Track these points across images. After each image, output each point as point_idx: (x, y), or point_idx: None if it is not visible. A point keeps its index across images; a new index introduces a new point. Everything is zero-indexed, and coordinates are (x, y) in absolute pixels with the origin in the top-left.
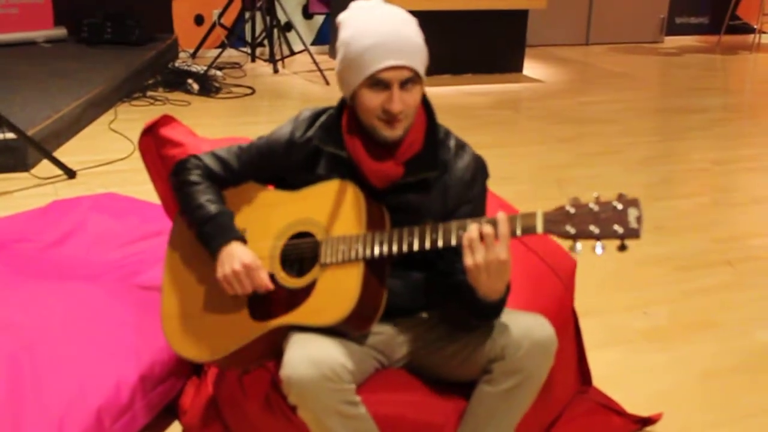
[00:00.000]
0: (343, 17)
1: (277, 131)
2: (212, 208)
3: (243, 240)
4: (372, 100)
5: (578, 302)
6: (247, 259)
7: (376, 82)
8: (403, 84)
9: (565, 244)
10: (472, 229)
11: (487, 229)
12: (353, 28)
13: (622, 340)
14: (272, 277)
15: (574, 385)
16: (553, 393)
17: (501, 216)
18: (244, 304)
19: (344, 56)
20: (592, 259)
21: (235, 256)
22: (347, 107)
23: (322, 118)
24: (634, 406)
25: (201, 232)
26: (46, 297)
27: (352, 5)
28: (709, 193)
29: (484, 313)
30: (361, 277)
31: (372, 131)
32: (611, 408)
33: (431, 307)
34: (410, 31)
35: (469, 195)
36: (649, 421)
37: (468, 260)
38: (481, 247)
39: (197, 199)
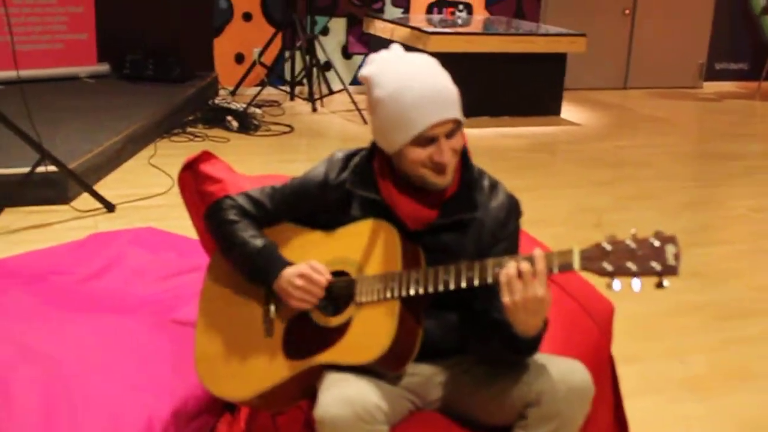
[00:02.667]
0: (371, 74)
1: (310, 172)
2: (257, 242)
3: (291, 264)
4: (419, 154)
5: (615, 349)
6: (301, 268)
7: (425, 139)
8: (449, 134)
9: (602, 281)
10: (510, 266)
11: (525, 266)
12: (390, 86)
13: (658, 388)
14: (308, 315)
15: None
16: None
17: (538, 252)
18: (279, 343)
19: (384, 115)
20: (630, 305)
21: (290, 280)
22: (378, 150)
23: (355, 160)
24: None
25: (251, 268)
26: (82, 330)
27: (374, 58)
28: (748, 240)
29: (522, 349)
30: (397, 316)
31: (420, 181)
32: None
33: (467, 349)
34: (445, 80)
35: (504, 234)
36: None
37: (506, 298)
38: (519, 285)
39: (239, 237)
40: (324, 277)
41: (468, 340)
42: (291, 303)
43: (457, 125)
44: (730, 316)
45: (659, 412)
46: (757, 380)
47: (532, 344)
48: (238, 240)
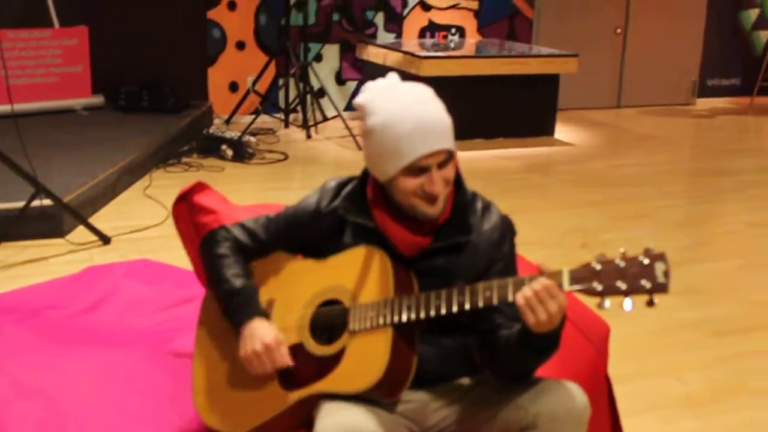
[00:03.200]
0: (365, 102)
1: (303, 201)
2: (237, 282)
3: (266, 315)
4: (411, 183)
5: (611, 368)
6: (268, 338)
7: (417, 169)
8: (441, 165)
9: (593, 301)
10: (525, 289)
11: (547, 282)
12: (383, 115)
13: (655, 406)
14: (302, 345)
15: None
16: None
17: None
18: (274, 374)
19: (377, 144)
20: (625, 323)
21: (256, 336)
22: (371, 177)
23: (347, 188)
24: None
25: (226, 307)
26: (78, 364)
27: (369, 87)
28: (744, 256)
29: (545, 348)
30: (390, 343)
31: (411, 210)
32: None
33: (465, 374)
34: (439, 111)
35: (499, 254)
36: None
37: (531, 319)
38: (541, 305)
39: (224, 273)
40: (283, 361)
41: (483, 361)
42: (240, 356)
43: (449, 155)
44: (727, 333)
45: (657, 430)
46: (753, 396)
47: (556, 339)
48: (222, 276)
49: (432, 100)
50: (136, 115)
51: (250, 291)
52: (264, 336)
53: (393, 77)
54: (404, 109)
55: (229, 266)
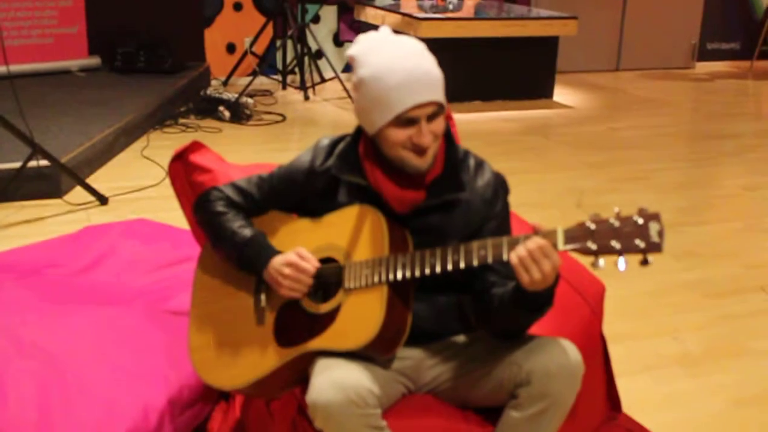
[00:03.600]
0: (357, 53)
1: (296, 160)
2: (246, 232)
3: (279, 252)
4: (399, 135)
5: (607, 328)
6: (289, 257)
7: (405, 120)
8: (431, 117)
9: (587, 260)
10: (519, 248)
11: (541, 241)
12: (373, 67)
13: (651, 366)
14: (297, 303)
15: (603, 411)
16: (580, 418)
17: (527, 236)
18: (271, 331)
19: (367, 95)
20: (623, 284)
21: (279, 265)
22: (363, 135)
23: (340, 147)
24: None
25: (240, 259)
26: (76, 322)
27: (361, 39)
28: (741, 218)
29: (539, 306)
30: (385, 301)
31: (400, 162)
32: None
33: (460, 331)
34: (430, 64)
35: (493, 212)
36: None
37: (525, 278)
38: (535, 265)
39: (228, 228)
40: (311, 264)
41: (467, 321)
42: (280, 292)
43: (439, 109)
44: (723, 294)
45: (652, 390)
46: (749, 357)
47: (550, 297)
48: (228, 231)
49: (423, 53)
50: (133, 76)
51: (261, 237)
52: (286, 258)
53: (385, 30)
54: (395, 60)
55: (232, 220)
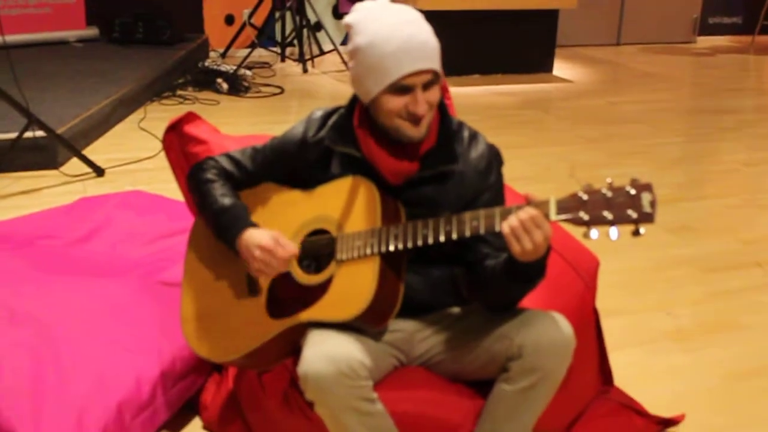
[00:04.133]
0: (353, 20)
1: (290, 132)
2: (226, 200)
3: (256, 226)
4: (395, 103)
5: (601, 302)
6: (263, 240)
7: (401, 87)
8: (426, 86)
9: (579, 231)
10: (511, 218)
11: (533, 211)
12: (370, 34)
13: (645, 340)
14: (289, 274)
15: (596, 385)
16: (573, 392)
17: (519, 206)
18: (262, 302)
19: (362, 62)
20: (618, 259)
21: (251, 245)
22: (358, 106)
23: (334, 118)
24: (657, 407)
25: (216, 226)
26: (70, 293)
27: (358, 7)
28: (740, 194)
29: (531, 277)
30: (377, 272)
31: (395, 132)
32: (633, 408)
33: (452, 304)
34: (426, 33)
35: (487, 183)
36: (671, 422)
37: (516, 248)
38: (527, 235)
39: (212, 195)
40: (287, 252)
41: (470, 291)
42: (249, 270)
43: (435, 78)
44: (718, 269)
45: (646, 364)
46: (742, 331)
47: (542, 268)
48: (211, 198)
49: (420, 22)
50: (131, 48)
51: (239, 208)
52: (259, 240)
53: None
54: (391, 28)
55: (217, 189)
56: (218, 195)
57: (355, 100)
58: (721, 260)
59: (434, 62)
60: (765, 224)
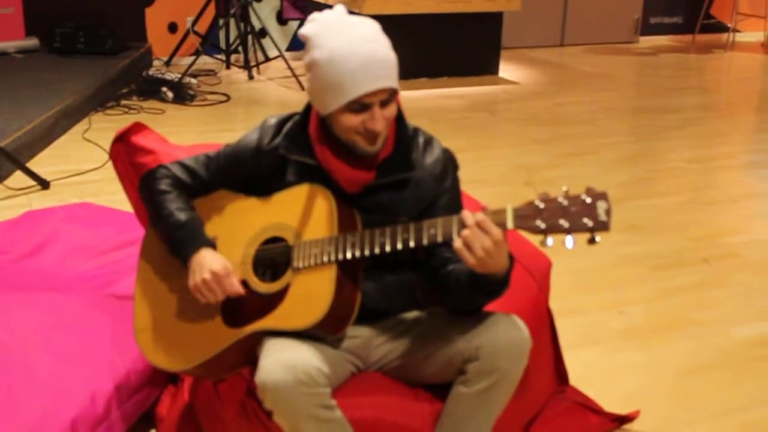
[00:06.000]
0: (310, 33)
1: (243, 139)
2: (181, 216)
3: (213, 246)
4: (352, 120)
5: (554, 303)
6: (216, 266)
7: (359, 106)
8: (384, 103)
9: (536, 239)
10: (457, 234)
11: (470, 221)
12: (328, 49)
13: (598, 339)
14: (245, 283)
15: (552, 385)
16: (529, 393)
17: (465, 212)
18: (218, 311)
19: (320, 77)
20: (569, 259)
21: (204, 265)
22: (313, 114)
23: (288, 125)
24: (612, 405)
25: (171, 241)
26: (19, 308)
27: (315, 17)
28: (685, 192)
29: (495, 290)
30: (334, 280)
31: (351, 146)
32: (589, 407)
33: (409, 309)
34: (386, 49)
35: (443, 188)
36: (626, 419)
37: (470, 260)
38: (482, 234)
39: (166, 208)
40: (233, 288)
41: (432, 296)
42: (190, 287)
43: (392, 94)
44: (668, 266)
45: (600, 363)
46: (693, 327)
47: (505, 281)
48: (165, 211)
49: (379, 37)
50: (73, 58)
51: (196, 223)
52: (212, 264)
53: (340, 9)
54: (350, 45)
55: (172, 201)
56: (173, 208)
57: (309, 107)
58: (669, 258)
59: (393, 80)
60: (711, 221)
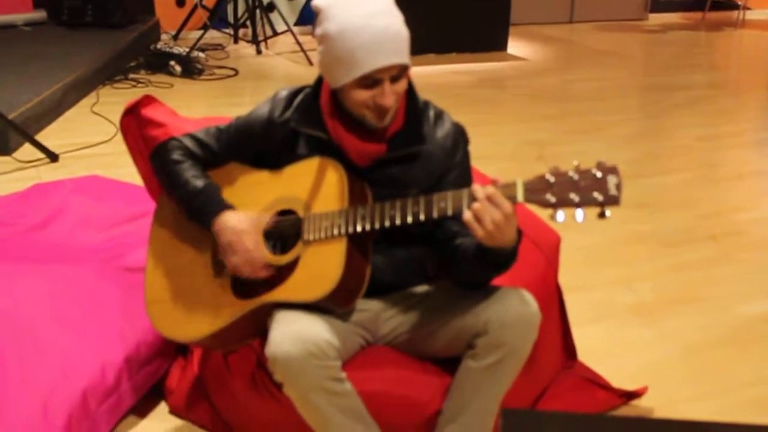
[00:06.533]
0: (324, 5)
1: (255, 111)
2: (198, 182)
3: (233, 208)
4: (362, 95)
5: (563, 278)
6: (242, 225)
7: (369, 81)
8: (394, 78)
9: (546, 212)
10: (472, 205)
11: (480, 194)
12: (340, 22)
13: (607, 315)
14: None
15: (560, 360)
16: (538, 368)
17: (476, 186)
18: (228, 282)
19: (331, 51)
20: (578, 235)
21: (229, 227)
22: (324, 86)
23: (299, 98)
24: (620, 381)
25: (190, 208)
26: (29, 280)
27: None
28: (694, 169)
29: (502, 263)
30: (344, 253)
31: (360, 119)
32: (597, 382)
33: (418, 283)
34: (398, 24)
35: (453, 161)
36: (634, 395)
37: (479, 233)
38: (486, 215)
39: (182, 176)
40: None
41: (440, 269)
42: (222, 256)
43: (403, 70)
44: (676, 243)
45: (609, 338)
46: (701, 303)
47: (512, 256)
48: (181, 180)
49: (392, 12)
50: (81, 31)
51: (213, 189)
52: (237, 224)
53: None
54: (363, 19)
55: (186, 170)
56: (189, 176)
57: (320, 80)
58: (678, 235)
59: (404, 56)
60: (719, 198)
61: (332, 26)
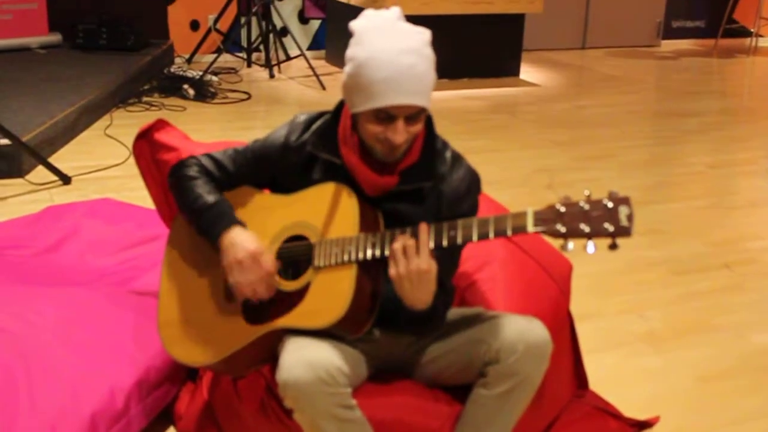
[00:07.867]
0: (357, 28)
1: (272, 135)
2: (210, 198)
3: (244, 225)
4: (374, 127)
5: (574, 306)
6: (251, 245)
7: (383, 115)
8: (409, 118)
9: (556, 243)
10: (398, 240)
11: (409, 241)
12: (369, 50)
13: (618, 343)
14: None
15: (571, 389)
16: (549, 396)
17: (422, 226)
18: (239, 308)
19: (354, 76)
20: (589, 262)
21: (237, 245)
22: (344, 113)
23: (318, 123)
24: (631, 410)
25: (200, 222)
26: (40, 303)
27: (367, 14)
28: (706, 196)
29: (413, 323)
30: (354, 280)
31: (370, 149)
32: (608, 411)
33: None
34: (425, 66)
35: (462, 209)
36: (645, 424)
37: (391, 270)
38: (403, 258)
39: (195, 191)
40: (265, 266)
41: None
42: (223, 266)
43: (420, 112)
44: (687, 271)
45: (619, 367)
46: (712, 332)
47: (424, 320)
48: (193, 195)
49: (422, 53)
50: (95, 54)
51: (225, 205)
52: (246, 243)
53: (395, 12)
54: (391, 54)
55: (200, 186)
56: (203, 191)
57: (341, 106)
58: (690, 262)
59: (423, 99)
60: (731, 226)
61: (361, 52)
